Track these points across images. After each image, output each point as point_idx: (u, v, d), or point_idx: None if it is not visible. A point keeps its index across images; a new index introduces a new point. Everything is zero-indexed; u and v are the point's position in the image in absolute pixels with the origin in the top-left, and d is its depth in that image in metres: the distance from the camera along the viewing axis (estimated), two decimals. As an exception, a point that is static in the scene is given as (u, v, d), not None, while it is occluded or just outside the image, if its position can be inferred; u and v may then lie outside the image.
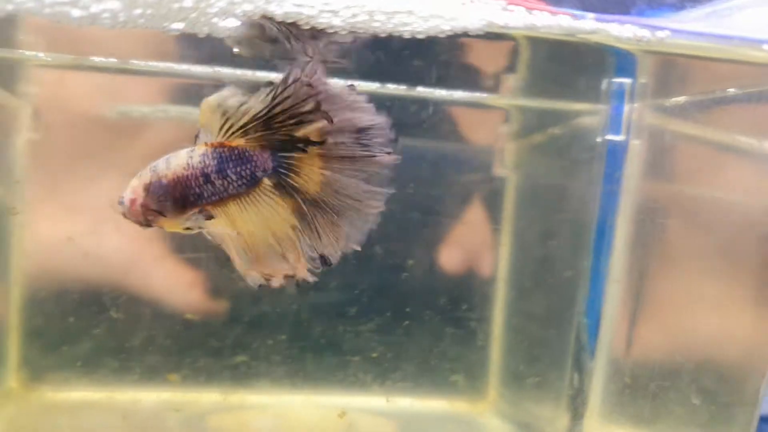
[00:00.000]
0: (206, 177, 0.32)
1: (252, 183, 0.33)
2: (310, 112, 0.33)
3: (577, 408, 0.49)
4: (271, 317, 0.53)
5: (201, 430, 0.48)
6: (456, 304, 0.56)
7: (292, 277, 0.35)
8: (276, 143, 0.33)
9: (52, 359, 0.51)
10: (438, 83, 0.49)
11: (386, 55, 0.45)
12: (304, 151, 0.33)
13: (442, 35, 0.32)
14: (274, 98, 0.32)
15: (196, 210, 0.33)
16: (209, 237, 0.34)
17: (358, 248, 0.35)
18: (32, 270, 0.50)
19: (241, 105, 0.32)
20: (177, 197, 0.32)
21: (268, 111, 0.32)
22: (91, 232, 0.50)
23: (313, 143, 0.33)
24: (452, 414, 0.55)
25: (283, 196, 0.34)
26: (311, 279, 0.35)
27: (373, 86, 0.47)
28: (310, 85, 0.32)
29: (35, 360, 0.51)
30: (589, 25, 0.35)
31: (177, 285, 0.51)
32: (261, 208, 0.34)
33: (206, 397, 0.53)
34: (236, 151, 0.33)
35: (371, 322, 0.54)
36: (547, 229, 0.53)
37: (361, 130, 0.34)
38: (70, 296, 0.51)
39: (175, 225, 0.33)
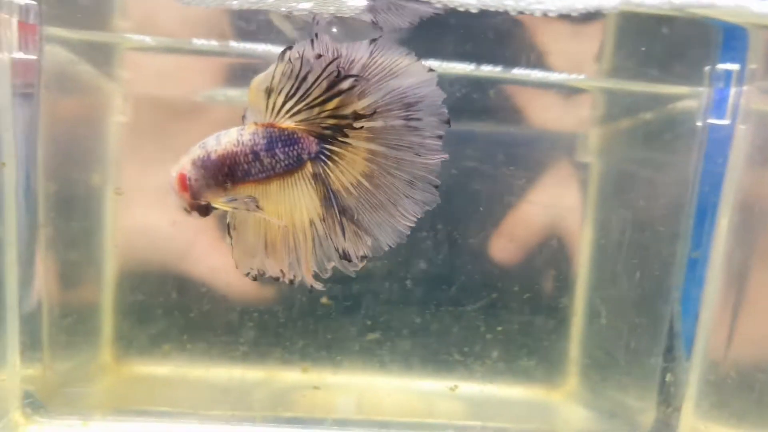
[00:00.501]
0: (255, 154, 0.33)
1: (297, 164, 0.34)
2: (342, 81, 0.32)
3: (670, 399, 0.48)
4: (358, 300, 0.53)
5: (286, 406, 0.49)
6: (536, 290, 0.55)
7: (285, 279, 0.35)
8: (324, 125, 0.33)
9: (142, 336, 0.52)
10: (522, 65, 0.48)
11: (472, 36, 0.44)
12: (352, 128, 0.32)
13: (574, 13, 0.31)
14: (297, 73, 0.32)
15: (243, 186, 0.33)
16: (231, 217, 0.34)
17: (378, 254, 0.35)
18: (125, 251, 0.51)
19: (280, 88, 0.33)
20: (225, 172, 0.33)
21: (306, 89, 0.32)
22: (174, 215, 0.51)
23: (361, 116, 0.32)
24: (529, 400, 0.55)
25: (317, 185, 0.34)
26: (318, 286, 0.35)
27: (462, 67, 0.46)
28: (320, 55, 0.31)
29: (126, 336, 0.52)
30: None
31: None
32: (296, 193, 0.34)
33: (288, 375, 0.53)
34: (286, 132, 0.33)
35: (452, 308, 0.54)
36: (636, 216, 0.52)
37: (410, 105, 0.33)
38: (159, 276, 0.52)
39: (220, 201, 0.34)
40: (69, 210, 0.47)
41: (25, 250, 0.41)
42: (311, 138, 0.33)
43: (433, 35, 0.43)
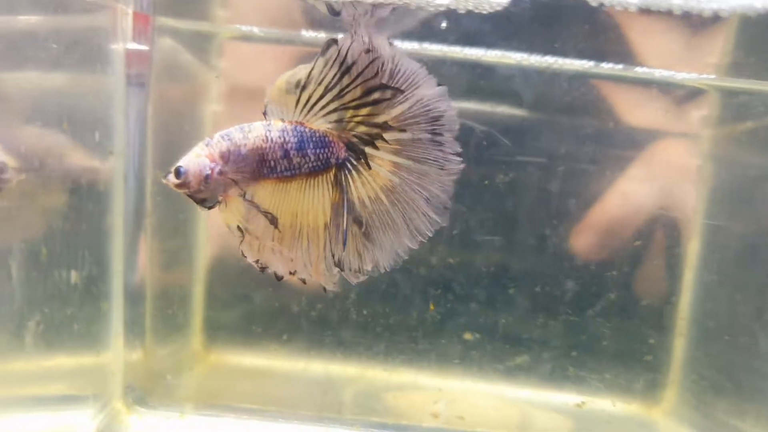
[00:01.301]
0: (285, 152, 0.32)
1: (323, 167, 0.33)
2: (376, 77, 0.31)
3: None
4: (442, 307, 0.51)
5: (377, 407, 0.48)
6: (636, 301, 0.52)
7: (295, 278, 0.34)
8: (354, 132, 0.32)
9: (230, 325, 0.52)
10: (627, 61, 0.45)
11: (591, 33, 0.42)
12: (382, 138, 0.30)
13: (751, 13, 0.28)
14: (340, 67, 0.30)
15: (265, 182, 0.32)
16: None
17: (374, 273, 0.33)
18: (215, 246, 0.51)
19: (318, 81, 0.31)
20: (254, 167, 0.32)
21: (346, 85, 0.31)
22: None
23: (391, 128, 0.31)
24: (628, 416, 0.52)
25: (336, 191, 0.33)
26: (331, 287, 0.34)
27: (580, 64, 0.44)
28: (369, 50, 0.30)
29: (215, 325, 0.52)
30: None
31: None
32: (316, 195, 0.33)
33: (373, 374, 0.52)
34: (318, 134, 0.32)
35: (549, 317, 0.52)
36: (756, 224, 0.48)
37: (435, 119, 0.32)
38: (247, 267, 0.52)
39: (239, 199, 0.32)
40: (172, 199, 0.48)
41: (131, 237, 0.41)
42: (341, 143, 0.32)
43: (553, 32, 0.41)
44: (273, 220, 0.33)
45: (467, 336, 0.52)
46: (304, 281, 0.34)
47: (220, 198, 0.32)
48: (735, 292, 0.51)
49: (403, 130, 0.32)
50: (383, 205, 0.33)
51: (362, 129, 0.32)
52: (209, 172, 0.31)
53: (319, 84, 0.31)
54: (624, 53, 0.45)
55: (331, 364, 0.52)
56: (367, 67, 0.31)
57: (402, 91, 0.32)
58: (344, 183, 0.33)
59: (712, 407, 0.51)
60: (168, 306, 0.49)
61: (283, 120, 0.32)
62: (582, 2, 0.32)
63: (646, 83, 0.48)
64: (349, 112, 0.32)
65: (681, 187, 0.52)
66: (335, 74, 0.31)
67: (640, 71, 0.45)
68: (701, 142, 0.52)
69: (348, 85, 0.31)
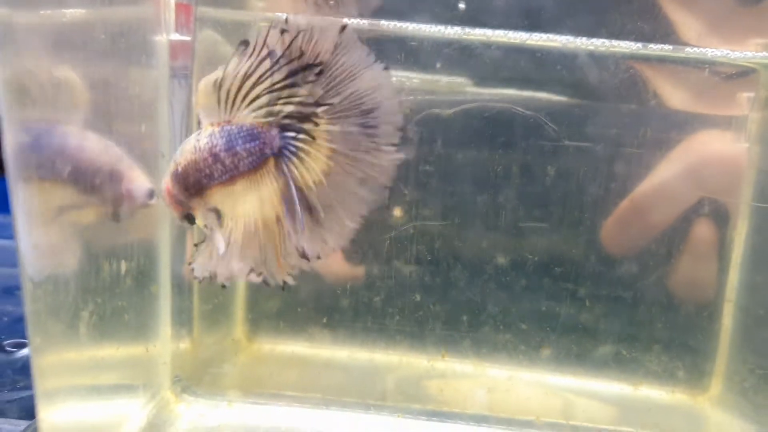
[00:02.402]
0: (215, 156, 0.31)
1: (260, 160, 0.32)
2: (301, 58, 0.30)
3: None
4: (485, 293, 0.50)
5: (420, 394, 0.48)
6: (681, 289, 0.51)
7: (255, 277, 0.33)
8: (284, 115, 0.31)
9: (271, 316, 0.52)
10: (676, 41, 0.43)
11: (638, 14, 0.40)
12: (316, 116, 0.29)
13: None
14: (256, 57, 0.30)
15: (211, 191, 0.32)
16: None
17: (326, 255, 0.33)
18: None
19: (234, 74, 0.31)
20: (190, 182, 0.31)
21: (265, 71, 0.30)
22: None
23: (323, 104, 0.29)
24: (672, 404, 0.50)
25: (280, 182, 0.32)
26: (290, 281, 0.33)
27: (627, 45, 0.42)
28: (283, 30, 0.29)
29: (257, 316, 0.52)
30: None
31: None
32: (262, 190, 0.32)
33: (416, 362, 0.52)
34: (245, 128, 0.31)
35: (592, 305, 0.50)
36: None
37: (367, 112, 0.32)
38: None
39: (201, 214, 0.32)
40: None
41: (177, 228, 0.41)
42: (273, 132, 0.31)
43: (598, 11, 0.39)
44: (226, 228, 0.32)
45: (510, 324, 0.51)
46: (266, 282, 0.33)
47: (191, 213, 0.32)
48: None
49: (332, 122, 0.31)
50: (324, 188, 0.32)
51: (291, 108, 0.31)
52: (165, 194, 0.32)
53: (236, 77, 0.30)
54: (672, 33, 0.43)
55: (373, 352, 0.51)
56: (287, 48, 0.30)
57: (329, 81, 0.31)
58: (286, 170, 0.32)
59: (760, 395, 0.49)
60: (213, 296, 0.49)
61: (212, 124, 0.31)
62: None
63: (694, 64, 0.46)
64: (275, 94, 0.31)
65: (727, 170, 0.50)
66: (251, 65, 0.30)
67: (690, 51, 0.43)
68: (749, 123, 0.50)
69: (267, 71, 0.30)
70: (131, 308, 0.38)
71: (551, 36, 0.41)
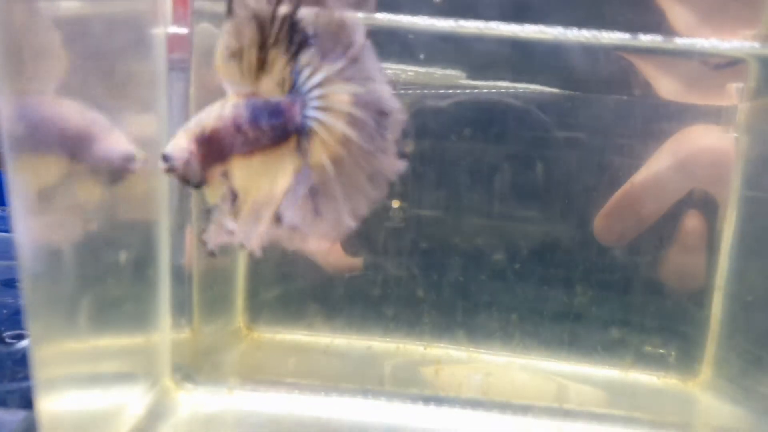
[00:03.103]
0: (238, 127, 0.30)
1: (282, 136, 0.31)
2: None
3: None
4: (479, 281, 0.50)
5: (417, 380, 0.48)
6: (672, 276, 0.51)
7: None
8: (310, 86, 0.30)
9: (270, 305, 0.52)
10: (666, 32, 0.43)
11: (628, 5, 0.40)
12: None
13: None
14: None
15: (229, 161, 0.31)
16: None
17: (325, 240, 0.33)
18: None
19: (250, 42, 0.29)
20: (217, 148, 0.31)
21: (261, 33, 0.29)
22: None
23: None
24: (663, 389, 0.50)
25: (297, 159, 0.31)
26: (258, 253, 0.32)
27: (617, 37, 0.42)
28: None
29: (256, 305, 0.52)
30: None
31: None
32: (278, 167, 0.31)
33: (413, 348, 0.52)
34: (270, 102, 0.30)
35: (585, 292, 0.50)
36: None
37: (383, 114, 0.31)
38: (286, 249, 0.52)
39: (214, 188, 0.32)
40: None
41: (176, 218, 0.41)
42: (296, 108, 0.31)
43: (588, 3, 0.39)
44: (235, 199, 0.32)
45: (504, 311, 0.51)
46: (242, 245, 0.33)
47: (205, 178, 0.31)
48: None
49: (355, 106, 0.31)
50: (331, 176, 0.32)
51: (319, 79, 0.31)
52: (187, 156, 0.30)
53: (252, 46, 0.30)
54: (663, 24, 0.43)
55: (371, 340, 0.52)
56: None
57: (356, 64, 0.30)
58: (304, 150, 0.31)
59: (749, 380, 0.49)
60: (212, 286, 0.49)
61: (237, 94, 0.31)
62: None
63: (683, 54, 0.46)
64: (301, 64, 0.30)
65: (717, 160, 0.50)
66: (254, 28, 0.30)
67: (679, 42, 0.43)
68: (738, 114, 0.49)
69: (285, 36, 0.30)
70: (131, 297, 0.37)
71: (543, 28, 0.40)
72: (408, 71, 0.48)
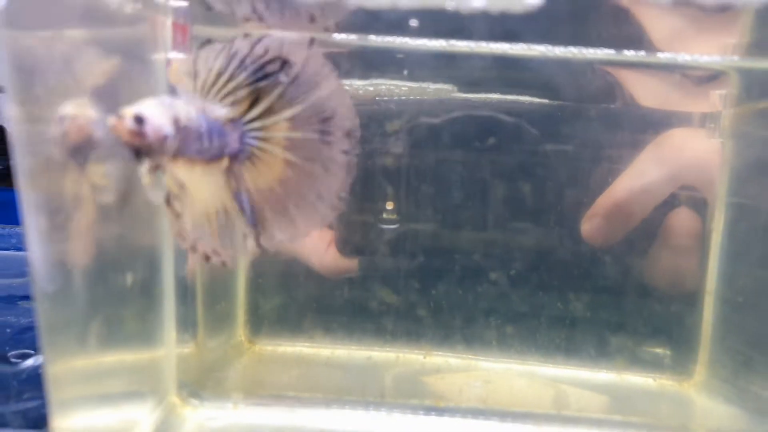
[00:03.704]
0: (198, 135, 0.31)
1: (218, 156, 0.32)
2: (271, 62, 0.31)
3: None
4: (476, 290, 0.51)
5: (417, 390, 0.49)
6: (663, 279, 0.52)
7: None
8: (250, 117, 0.31)
9: (270, 319, 0.53)
10: (649, 48, 0.45)
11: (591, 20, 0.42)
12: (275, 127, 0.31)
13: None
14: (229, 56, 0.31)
15: (180, 159, 0.31)
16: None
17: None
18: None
19: (208, 68, 0.31)
20: (180, 142, 0.30)
21: (235, 68, 0.30)
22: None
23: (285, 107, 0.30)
24: (659, 391, 0.51)
25: (230, 180, 0.32)
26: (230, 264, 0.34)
27: (605, 53, 0.44)
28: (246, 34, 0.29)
29: (257, 319, 0.53)
30: None
31: (319, 245, 0.51)
32: (213, 182, 0.33)
33: (412, 358, 0.52)
34: (217, 123, 0.32)
35: (579, 299, 0.51)
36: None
37: (326, 120, 0.32)
38: (285, 264, 0.53)
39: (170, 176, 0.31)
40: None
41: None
42: (235, 135, 0.32)
43: (575, 25, 0.41)
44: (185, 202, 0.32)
45: (500, 318, 0.52)
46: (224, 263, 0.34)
47: (157, 161, 0.31)
48: (761, 266, 0.50)
49: (295, 130, 0.32)
50: (278, 194, 0.33)
51: (258, 112, 0.32)
52: (169, 133, 0.30)
53: (210, 71, 0.31)
54: (645, 41, 0.44)
55: (371, 351, 0.52)
56: (252, 49, 0.31)
57: (297, 87, 0.31)
58: (238, 174, 0.32)
59: (742, 380, 0.50)
60: (215, 301, 0.50)
61: (188, 103, 0.32)
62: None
63: (666, 68, 0.48)
64: (245, 95, 0.32)
65: (703, 165, 0.52)
66: (223, 63, 0.31)
67: (661, 57, 0.45)
68: (722, 120, 0.51)
69: (238, 68, 0.31)
70: (137, 317, 0.38)
71: (531, 46, 0.42)
72: (402, 86, 0.49)
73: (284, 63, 0.32)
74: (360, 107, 0.49)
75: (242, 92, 0.32)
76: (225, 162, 0.32)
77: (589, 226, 0.49)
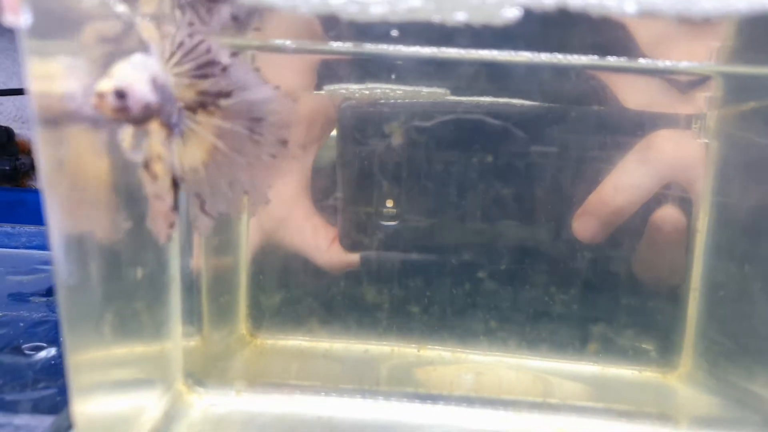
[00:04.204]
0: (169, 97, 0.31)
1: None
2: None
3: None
4: (466, 287, 0.54)
5: (411, 380, 0.51)
6: (650, 276, 0.54)
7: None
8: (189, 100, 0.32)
9: (271, 313, 0.55)
10: (632, 54, 0.47)
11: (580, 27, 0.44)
12: (207, 111, 0.32)
13: (735, 14, 0.30)
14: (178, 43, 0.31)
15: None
16: None
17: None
18: (255, 237, 0.54)
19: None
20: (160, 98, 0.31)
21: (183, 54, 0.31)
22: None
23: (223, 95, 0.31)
24: (644, 382, 0.54)
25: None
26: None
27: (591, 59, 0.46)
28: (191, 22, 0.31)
29: (258, 313, 0.56)
30: None
31: (322, 241, 0.53)
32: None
33: (407, 351, 0.55)
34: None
35: (566, 294, 0.54)
36: (760, 198, 0.50)
37: (256, 120, 0.33)
38: (286, 259, 0.55)
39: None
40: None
41: (185, 234, 0.45)
42: (172, 107, 0.32)
43: (560, 33, 0.43)
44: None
45: (489, 314, 0.55)
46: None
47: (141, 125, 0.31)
48: (743, 263, 0.52)
49: (224, 119, 0.33)
50: (199, 176, 0.34)
51: (192, 95, 0.32)
52: (151, 99, 0.30)
53: (173, 42, 0.32)
54: (629, 47, 0.47)
55: (367, 344, 0.55)
56: (197, 44, 0.32)
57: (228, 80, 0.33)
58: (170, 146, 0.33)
59: (724, 371, 0.53)
60: (219, 296, 0.52)
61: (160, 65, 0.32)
62: (584, 13, 0.34)
63: (652, 72, 0.50)
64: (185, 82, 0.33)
65: (688, 165, 0.54)
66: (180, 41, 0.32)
67: (643, 62, 0.47)
68: (707, 121, 0.53)
69: (187, 53, 0.32)
70: (147, 310, 0.41)
71: (519, 52, 0.44)
72: (397, 90, 0.52)
73: (216, 63, 0.34)
74: (356, 110, 0.52)
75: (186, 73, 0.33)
76: (165, 131, 0.33)
77: (579, 223, 0.52)
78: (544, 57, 0.45)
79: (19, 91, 1.53)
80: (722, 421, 0.48)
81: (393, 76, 0.50)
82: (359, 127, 0.53)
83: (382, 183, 0.53)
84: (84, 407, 0.33)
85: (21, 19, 0.26)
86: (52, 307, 0.65)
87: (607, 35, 0.46)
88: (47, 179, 0.28)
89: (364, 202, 0.54)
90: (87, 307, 0.33)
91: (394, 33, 0.41)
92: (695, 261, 0.53)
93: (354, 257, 0.53)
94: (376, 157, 0.52)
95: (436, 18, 0.30)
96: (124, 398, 0.40)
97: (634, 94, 0.52)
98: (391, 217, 0.53)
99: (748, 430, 0.47)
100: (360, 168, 0.53)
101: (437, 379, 0.52)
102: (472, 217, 0.53)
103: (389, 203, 0.53)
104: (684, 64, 0.48)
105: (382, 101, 0.52)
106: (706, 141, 0.52)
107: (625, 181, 0.51)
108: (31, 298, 0.68)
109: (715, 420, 0.48)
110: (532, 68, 0.48)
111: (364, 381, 0.50)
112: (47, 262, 0.84)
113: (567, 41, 0.45)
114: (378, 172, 0.53)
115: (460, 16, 0.30)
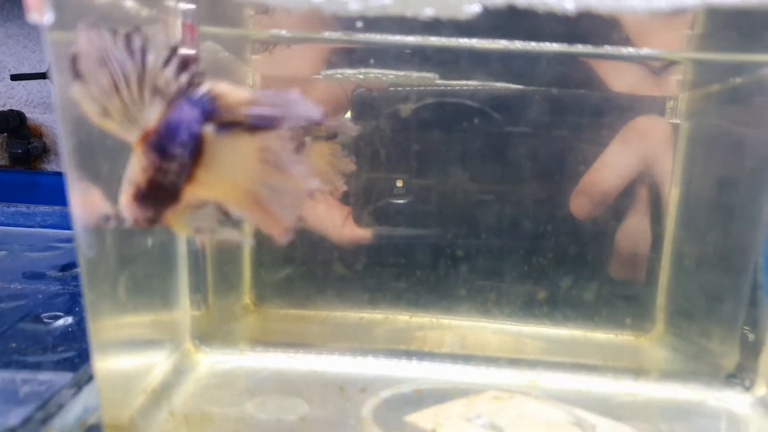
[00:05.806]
0: (162, 168, 0.27)
1: (196, 140, 0.27)
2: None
3: (750, 345, 0.49)
4: (455, 258, 0.57)
5: (402, 341, 0.55)
6: (626, 247, 0.57)
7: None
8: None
9: (273, 284, 0.59)
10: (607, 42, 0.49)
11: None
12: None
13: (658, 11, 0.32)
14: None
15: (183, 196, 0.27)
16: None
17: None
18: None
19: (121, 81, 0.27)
20: (160, 195, 0.27)
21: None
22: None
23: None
24: (619, 344, 0.57)
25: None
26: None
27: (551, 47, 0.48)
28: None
29: (261, 285, 0.59)
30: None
31: (337, 219, 0.56)
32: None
33: (399, 318, 0.59)
34: (164, 123, 0.27)
35: (547, 265, 0.57)
36: (723, 176, 0.53)
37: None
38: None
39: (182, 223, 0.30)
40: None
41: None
42: (185, 105, 0.29)
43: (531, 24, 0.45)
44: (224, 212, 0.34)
45: (475, 283, 0.58)
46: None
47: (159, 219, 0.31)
48: (706, 233, 0.55)
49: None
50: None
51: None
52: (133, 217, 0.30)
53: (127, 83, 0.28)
54: (608, 35, 0.49)
55: (362, 312, 0.58)
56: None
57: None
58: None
59: (687, 332, 0.56)
60: (223, 268, 0.56)
61: (136, 141, 0.30)
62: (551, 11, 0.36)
63: (629, 59, 0.52)
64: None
65: (663, 144, 0.57)
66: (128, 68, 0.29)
67: (623, 51, 0.49)
68: (679, 103, 0.56)
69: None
70: (158, 276, 0.44)
71: (503, 41, 0.47)
72: (389, 74, 0.55)
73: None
74: (366, 95, 0.54)
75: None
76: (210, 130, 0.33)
77: (575, 202, 0.56)
78: (532, 46, 0.48)
79: (30, 76, 1.54)
80: (680, 374, 0.51)
81: (372, 62, 0.52)
82: (369, 112, 0.55)
83: (393, 162, 0.56)
84: (103, 362, 0.36)
85: (45, 18, 0.28)
86: (67, 281, 0.68)
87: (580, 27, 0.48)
88: (70, 163, 0.31)
89: (376, 181, 0.56)
90: (104, 274, 0.36)
91: (359, 24, 0.43)
92: (666, 233, 0.56)
93: (366, 232, 0.56)
94: (387, 138, 0.55)
95: (408, 13, 0.32)
96: (138, 356, 0.43)
97: (617, 79, 0.55)
98: (401, 195, 0.56)
99: (700, 380, 0.50)
100: (372, 149, 0.56)
101: (425, 341, 0.55)
102: (458, 196, 0.56)
103: (399, 183, 0.56)
104: (656, 53, 0.50)
105: (392, 88, 0.55)
106: (678, 122, 0.55)
107: (611, 163, 0.55)
108: (48, 273, 0.71)
109: (675, 373, 0.52)
110: (514, 55, 0.51)
111: (358, 341, 0.53)
112: (62, 240, 0.87)
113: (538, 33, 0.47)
114: (389, 153, 0.56)
115: (429, 12, 0.33)
